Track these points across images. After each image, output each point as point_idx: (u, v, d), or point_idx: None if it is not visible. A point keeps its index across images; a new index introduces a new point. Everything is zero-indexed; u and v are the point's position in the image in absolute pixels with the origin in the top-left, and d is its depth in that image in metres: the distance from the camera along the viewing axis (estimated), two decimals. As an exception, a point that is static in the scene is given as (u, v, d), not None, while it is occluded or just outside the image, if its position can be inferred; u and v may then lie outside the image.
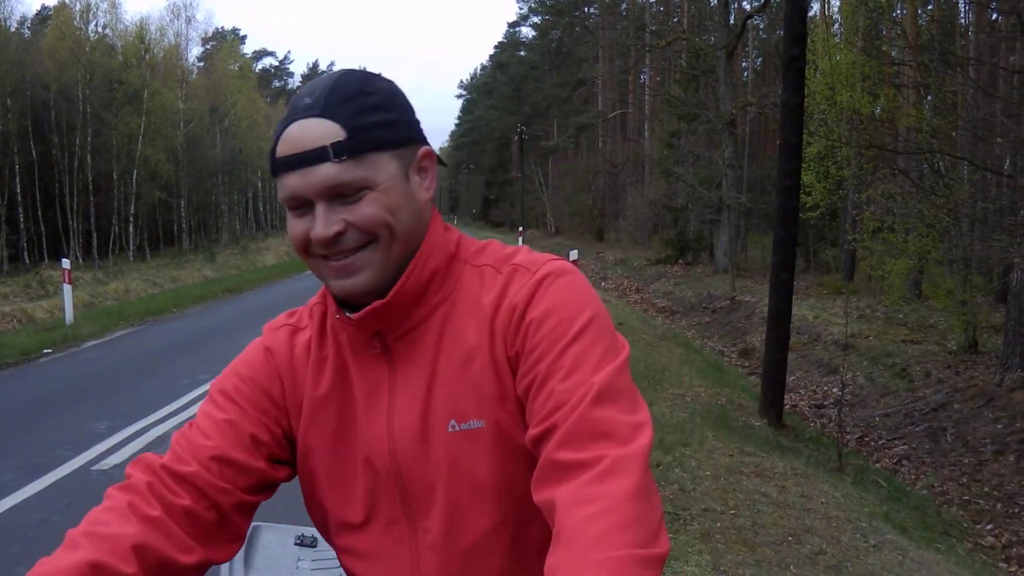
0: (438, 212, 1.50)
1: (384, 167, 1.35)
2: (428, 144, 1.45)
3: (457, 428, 1.38)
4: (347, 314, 1.42)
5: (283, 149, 1.34)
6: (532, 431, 1.28)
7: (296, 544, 1.81)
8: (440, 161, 1.50)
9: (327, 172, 1.31)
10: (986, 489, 10.20)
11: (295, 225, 1.38)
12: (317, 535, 1.82)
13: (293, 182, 1.33)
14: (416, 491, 1.42)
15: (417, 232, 1.42)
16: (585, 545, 1.12)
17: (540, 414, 1.28)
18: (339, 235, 1.35)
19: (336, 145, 1.31)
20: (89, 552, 1.31)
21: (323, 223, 1.34)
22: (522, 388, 1.34)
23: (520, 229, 51.83)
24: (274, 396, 1.51)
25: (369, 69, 1.46)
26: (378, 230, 1.36)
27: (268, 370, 1.53)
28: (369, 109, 1.35)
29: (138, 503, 1.39)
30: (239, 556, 1.78)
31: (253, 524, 1.84)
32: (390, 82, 1.43)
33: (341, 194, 1.34)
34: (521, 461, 1.37)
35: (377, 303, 1.39)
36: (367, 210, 1.34)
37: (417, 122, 1.44)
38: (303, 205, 1.36)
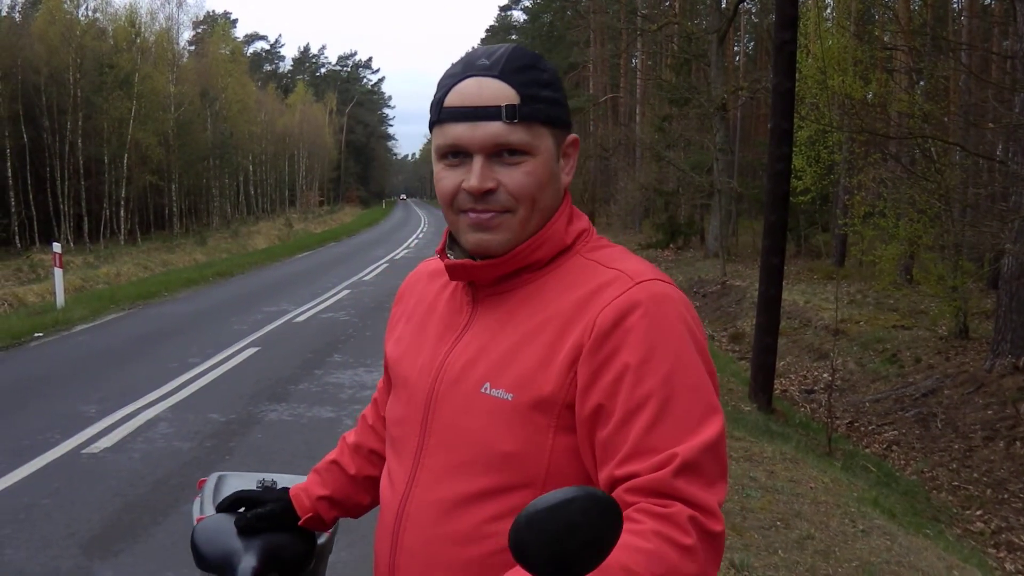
0: (570, 200, 1.58)
1: (545, 140, 1.47)
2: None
3: (488, 391, 1.44)
4: (448, 255, 1.58)
5: (454, 100, 1.45)
6: (615, 470, 1.34)
7: (258, 486, 1.94)
8: None
9: (496, 129, 1.42)
10: (976, 475, 10.23)
11: (447, 177, 1.48)
12: (278, 480, 1.99)
13: (459, 132, 1.44)
14: (435, 428, 1.51)
15: (551, 212, 1.52)
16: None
17: (617, 452, 1.34)
18: (491, 192, 1.45)
19: (510, 108, 1.42)
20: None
21: (479, 177, 1.44)
22: (588, 408, 1.38)
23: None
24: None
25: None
26: (523, 199, 1.46)
27: (397, 302, 1.82)
28: (542, 84, 1.47)
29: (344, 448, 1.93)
30: (208, 499, 1.99)
31: (218, 473, 2.13)
32: (555, 70, 1.52)
33: (502, 153, 1.44)
34: (531, 446, 1.42)
35: (469, 262, 1.51)
36: (521, 178, 1.45)
37: (569, 112, 1.54)
38: (460, 155, 1.46)
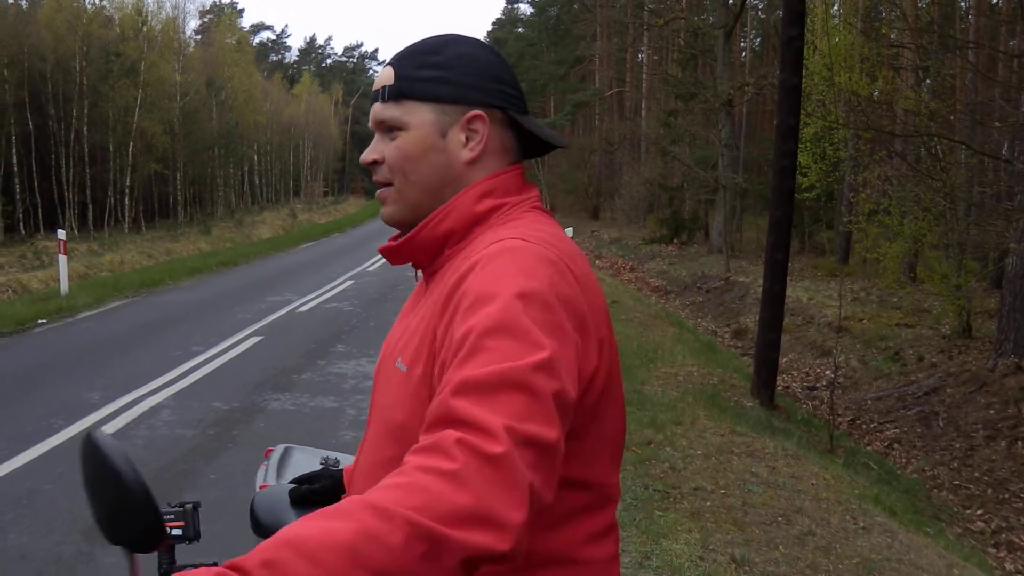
0: (491, 180, 1.57)
1: (419, 116, 1.54)
2: (487, 111, 1.55)
3: (398, 365, 1.52)
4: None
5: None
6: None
7: (321, 464, 2.09)
8: (562, 145, 1.64)
9: (376, 109, 1.58)
10: (977, 474, 10.23)
11: None
12: (340, 458, 2.13)
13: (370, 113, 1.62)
14: (373, 405, 1.64)
15: (440, 185, 1.57)
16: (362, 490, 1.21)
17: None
18: (375, 163, 1.60)
19: (384, 88, 1.57)
20: None
21: (368, 150, 1.61)
22: (438, 366, 1.39)
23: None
24: None
25: (481, 39, 1.64)
26: (395, 171, 1.58)
27: None
28: (428, 66, 1.55)
29: None
30: (273, 469, 2.18)
31: (285, 445, 2.32)
32: (475, 52, 1.58)
33: (385, 130, 1.58)
34: (414, 416, 1.43)
35: (385, 245, 1.66)
36: (392, 151, 1.57)
37: (486, 90, 1.55)
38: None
